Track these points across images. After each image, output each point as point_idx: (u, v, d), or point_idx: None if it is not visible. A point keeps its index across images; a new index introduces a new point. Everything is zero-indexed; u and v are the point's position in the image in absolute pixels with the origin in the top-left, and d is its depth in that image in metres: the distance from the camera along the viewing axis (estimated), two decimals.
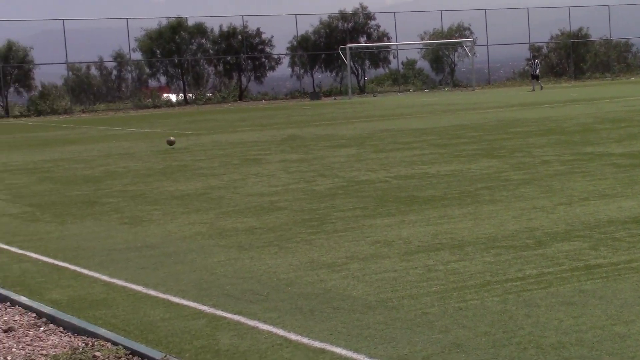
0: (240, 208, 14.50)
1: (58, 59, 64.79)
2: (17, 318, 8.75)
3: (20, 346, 7.87)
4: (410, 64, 79.16)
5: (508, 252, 10.11)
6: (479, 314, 7.73)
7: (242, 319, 8.02)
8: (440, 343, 7.08)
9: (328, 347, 7.12)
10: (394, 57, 77.44)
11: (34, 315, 8.77)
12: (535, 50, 78.50)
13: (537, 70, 61.55)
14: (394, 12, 76.31)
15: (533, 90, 58.92)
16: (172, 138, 21.81)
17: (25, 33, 72.79)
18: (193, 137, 31.32)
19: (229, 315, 8.19)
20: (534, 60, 63.13)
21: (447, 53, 78.28)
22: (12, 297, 9.32)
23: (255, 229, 12.52)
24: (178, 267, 10.34)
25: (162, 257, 10.91)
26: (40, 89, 63.81)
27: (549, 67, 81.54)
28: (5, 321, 8.67)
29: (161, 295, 9.07)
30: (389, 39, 76.43)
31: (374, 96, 66.92)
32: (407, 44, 78.49)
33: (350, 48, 67.16)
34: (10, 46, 61.81)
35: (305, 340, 7.33)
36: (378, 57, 75.41)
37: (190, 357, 7.11)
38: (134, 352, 7.36)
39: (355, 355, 6.90)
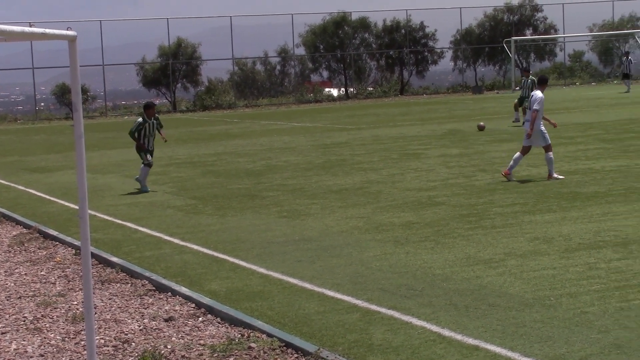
0: (398, 203, 14.46)
1: (224, 55, 66.25)
2: (177, 308, 9.00)
3: (180, 335, 8.09)
4: (577, 56, 77.08)
5: None
6: None
7: (396, 314, 8.00)
8: (600, 343, 6.87)
9: (482, 344, 7.02)
10: (561, 50, 75.63)
11: (193, 305, 9.01)
12: None
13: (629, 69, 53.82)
14: (563, 4, 74.31)
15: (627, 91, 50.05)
16: (482, 124, 26.58)
17: (194, 30, 74.61)
18: (353, 132, 31.46)
19: (383, 309, 8.18)
20: (627, 57, 54.24)
21: (617, 45, 75.79)
22: (173, 288, 9.60)
23: (412, 223, 12.46)
24: (334, 260, 10.40)
25: (319, 251, 10.99)
26: (207, 84, 65.27)
27: None
28: (166, 311, 8.93)
29: (316, 288, 9.15)
30: (556, 31, 74.64)
31: None
32: (575, 35, 76.28)
33: (516, 41, 65.93)
34: (179, 43, 63.39)
35: (459, 336, 7.25)
36: (544, 50, 73.77)
37: (344, 350, 7.14)
38: (288, 345, 7.45)
39: (510, 354, 6.78)
